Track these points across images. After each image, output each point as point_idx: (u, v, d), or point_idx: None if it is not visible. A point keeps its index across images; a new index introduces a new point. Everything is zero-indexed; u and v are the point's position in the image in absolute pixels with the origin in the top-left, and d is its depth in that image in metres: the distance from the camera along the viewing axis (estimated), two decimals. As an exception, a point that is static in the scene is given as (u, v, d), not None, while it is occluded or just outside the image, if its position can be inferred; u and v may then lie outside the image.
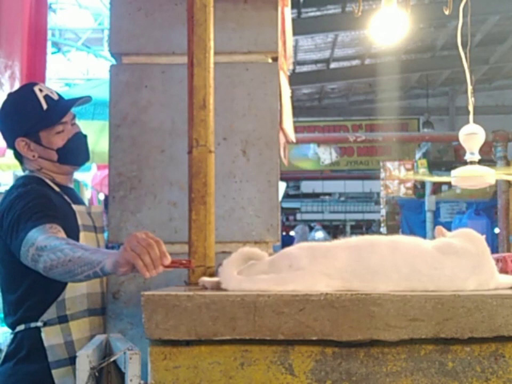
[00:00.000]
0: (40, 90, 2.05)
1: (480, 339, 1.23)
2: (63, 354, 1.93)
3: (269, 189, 2.05)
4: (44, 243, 1.73)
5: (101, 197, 8.75)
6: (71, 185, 2.18)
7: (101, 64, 11.86)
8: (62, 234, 1.81)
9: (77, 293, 1.96)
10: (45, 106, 2.03)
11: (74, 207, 2.04)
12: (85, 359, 1.39)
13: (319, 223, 16.88)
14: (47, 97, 2.04)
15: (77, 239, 1.94)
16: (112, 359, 1.43)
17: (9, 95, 2.19)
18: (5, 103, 2.12)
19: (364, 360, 1.24)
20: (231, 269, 1.37)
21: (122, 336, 1.65)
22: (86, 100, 2.15)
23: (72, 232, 1.92)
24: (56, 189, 2.05)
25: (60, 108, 2.06)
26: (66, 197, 2.05)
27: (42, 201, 1.92)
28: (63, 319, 1.95)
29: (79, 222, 2.01)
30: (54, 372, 1.91)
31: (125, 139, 2.07)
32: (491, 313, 1.22)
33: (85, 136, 2.14)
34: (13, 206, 1.90)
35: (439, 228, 1.51)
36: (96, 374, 1.41)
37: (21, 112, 2.05)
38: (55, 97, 2.07)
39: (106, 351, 1.56)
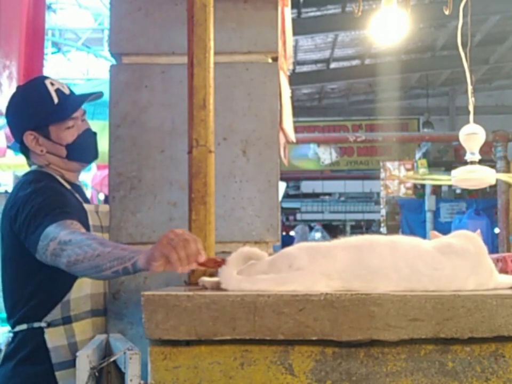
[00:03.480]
0: (52, 84, 2.01)
1: (480, 339, 1.23)
2: (66, 356, 1.90)
3: (269, 189, 2.05)
4: (68, 237, 1.68)
5: (101, 197, 8.75)
6: (78, 183, 2.14)
7: (101, 64, 11.87)
8: (84, 231, 1.78)
9: (81, 293, 1.94)
10: (56, 100, 1.99)
11: (85, 206, 2.01)
12: (85, 359, 1.39)
13: (319, 223, 16.88)
14: (58, 91, 2.00)
15: None
16: (112, 359, 1.43)
17: (19, 87, 2.14)
18: (14, 95, 2.08)
19: (364, 360, 1.24)
20: (231, 268, 1.37)
21: (122, 336, 1.65)
22: (98, 95, 2.11)
23: None
24: (67, 186, 2.01)
25: (72, 102, 2.02)
26: (77, 195, 2.01)
27: (60, 198, 1.88)
28: (67, 320, 1.92)
29: (90, 221, 1.98)
30: (57, 373, 1.88)
31: (125, 139, 2.07)
32: (491, 313, 1.22)
33: (95, 134, 2.10)
34: (29, 200, 1.85)
35: (434, 233, 1.51)
36: (96, 374, 1.41)
37: (31, 104, 2.01)
38: (67, 91, 2.03)
39: (106, 351, 1.57)
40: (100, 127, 5.28)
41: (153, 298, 1.23)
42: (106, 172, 4.15)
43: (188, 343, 1.24)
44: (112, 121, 2.08)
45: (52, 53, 12.24)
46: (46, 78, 2.07)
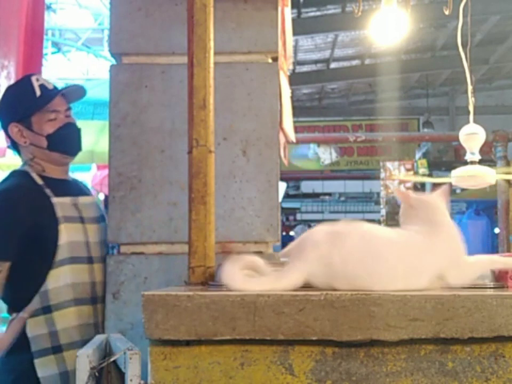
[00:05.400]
0: (37, 80, 2.14)
1: (480, 339, 1.23)
2: (46, 344, 1.99)
3: (269, 189, 2.05)
4: None
5: (101, 197, 8.75)
6: (66, 177, 2.22)
7: (101, 64, 11.87)
8: None
9: (60, 283, 2.00)
10: (38, 93, 2.11)
11: (55, 199, 2.07)
12: (85, 359, 1.39)
13: (319, 223, 16.82)
14: (42, 86, 2.13)
15: (56, 231, 2.02)
16: (112, 359, 1.43)
17: (9, 85, 2.34)
18: (4, 92, 2.25)
19: (364, 360, 1.24)
20: (235, 269, 1.34)
21: (122, 336, 1.65)
22: (76, 88, 2.23)
23: (49, 225, 2.02)
24: (39, 182, 2.09)
25: (51, 94, 2.13)
26: (47, 190, 2.08)
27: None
28: (47, 310, 1.99)
29: (59, 214, 2.05)
30: (36, 361, 1.98)
31: (125, 139, 2.07)
32: (491, 313, 1.22)
33: (78, 129, 2.20)
34: None
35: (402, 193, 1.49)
36: (96, 374, 1.40)
37: (16, 98, 2.16)
38: (50, 87, 2.15)
39: (106, 351, 1.56)
40: (100, 127, 5.29)
41: (153, 298, 1.23)
42: (106, 171, 4.14)
43: (188, 343, 1.24)
44: (112, 121, 2.08)
45: (52, 53, 12.25)
46: (33, 75, 2.21)
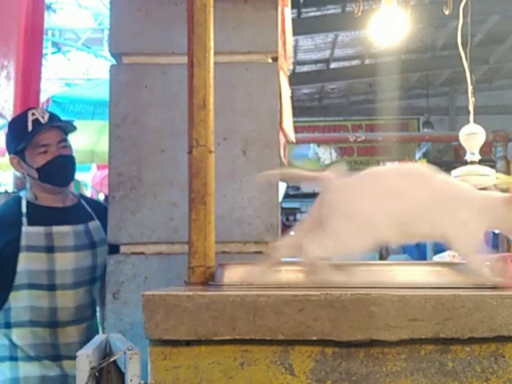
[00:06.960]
0: (33, 114, 2.28)
1: (480, 339, 1.23)
2: (4, 353, 2.22)
3: (269, 189, 2.05)
4: None
5: (101, 197, 8.77)
6: (61, 204, 2.34)
7: (101, 64, 11.88)
8: None
9: (19, 304, 2.21)
10: (30, 128, 2.24)
11: (26, 228, 2.21)
12: (85, 359, 1.39)
13: (319, 223, 16.76)
14: (35, 121, 2.25)
15: (15, 258, 2.17)
16: (112, 359, 1.43)
17: (11, 119, 2.54)
18: (7, 125, 2.43)
19: (364, 360, 1.24)
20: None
21: (122, 336, 1.65)
22: (66, 124, 2.38)
23: (12, 253, 2.18)
24: (23, 210, 2.25)
25: (40, 129, 2.25)
26: (24, 219, 2.23)
27: None
28: (7, 325, 2.23)
29: (23, 243, 2.19)
30: None
31: (125, 139, 2.07)
32: (491, 313, 1.22)
33: (72, 160, 2.33)
34: None
35: None
36: (96, 374, 1.40)
37: (12, 132, 2.35)
38: (44, 120, 2.27)
39: (106, 351, 1.56)
40: (100, 127, 5.29)
41: (153, 298, 1.23)
42: (106, 171, 4.15)
43: (187, 343, 1.24)
44: (112, 121, 2.08)
45: (52, 53, 12.26)
46: (31, 109, 2.34)
